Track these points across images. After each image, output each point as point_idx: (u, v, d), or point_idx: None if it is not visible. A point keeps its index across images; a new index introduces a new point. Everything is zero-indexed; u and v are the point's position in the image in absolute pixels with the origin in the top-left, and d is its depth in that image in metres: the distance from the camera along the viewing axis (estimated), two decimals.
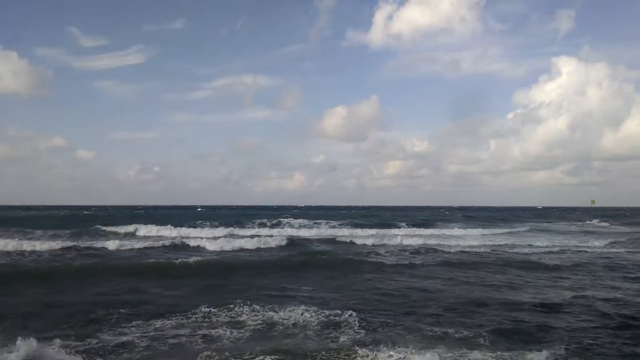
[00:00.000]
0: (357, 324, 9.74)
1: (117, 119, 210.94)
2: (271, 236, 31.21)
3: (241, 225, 43.16)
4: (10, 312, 10.51)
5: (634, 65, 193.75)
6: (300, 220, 50.44)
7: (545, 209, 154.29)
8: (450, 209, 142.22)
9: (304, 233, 37.50)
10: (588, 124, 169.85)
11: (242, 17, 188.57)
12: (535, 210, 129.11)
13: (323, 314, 10.46)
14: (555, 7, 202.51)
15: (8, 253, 21.91)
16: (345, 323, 9.87)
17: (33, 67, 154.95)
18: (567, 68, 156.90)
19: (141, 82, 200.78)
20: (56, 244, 23.85)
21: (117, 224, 37.99)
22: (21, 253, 21.92)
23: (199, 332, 9.29)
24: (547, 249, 25.63)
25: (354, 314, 10.43)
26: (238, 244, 26.33)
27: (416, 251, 24.20)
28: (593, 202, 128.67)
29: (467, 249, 25.37)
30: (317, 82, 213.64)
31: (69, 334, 8.94)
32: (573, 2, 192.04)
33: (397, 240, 30.31)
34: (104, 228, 36.12)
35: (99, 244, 25.08)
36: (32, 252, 22.16)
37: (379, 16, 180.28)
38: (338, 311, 10.66)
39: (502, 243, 29.63)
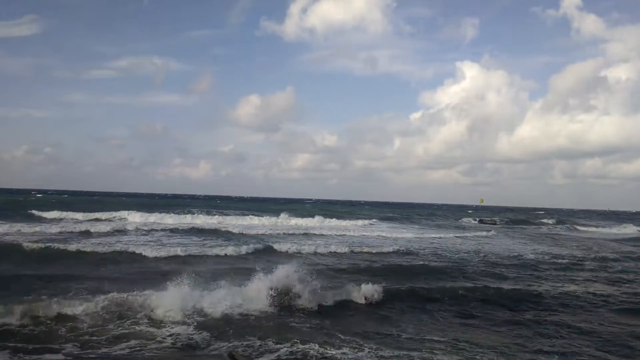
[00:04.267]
0: None
1: (3, 94, 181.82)
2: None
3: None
4: None
5: (528, 76, 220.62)
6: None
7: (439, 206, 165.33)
8: (357, 203, 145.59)
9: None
10: (486, 127, 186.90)
11: None
12: (435, 207, 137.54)
13: None
14: (461, 15, 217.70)
15: None
16: None
17: None
18: (470, 73, 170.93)
19: (33, 56, 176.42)
20: None
21: None
22: None
23: None
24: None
25: None
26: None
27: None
28: (482, 201, 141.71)
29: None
30: (230, 70, 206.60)
31: None
32: (478, 11, 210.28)
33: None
34: None
35: None
36: None
37: (294, 8, 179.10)
38: None
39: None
